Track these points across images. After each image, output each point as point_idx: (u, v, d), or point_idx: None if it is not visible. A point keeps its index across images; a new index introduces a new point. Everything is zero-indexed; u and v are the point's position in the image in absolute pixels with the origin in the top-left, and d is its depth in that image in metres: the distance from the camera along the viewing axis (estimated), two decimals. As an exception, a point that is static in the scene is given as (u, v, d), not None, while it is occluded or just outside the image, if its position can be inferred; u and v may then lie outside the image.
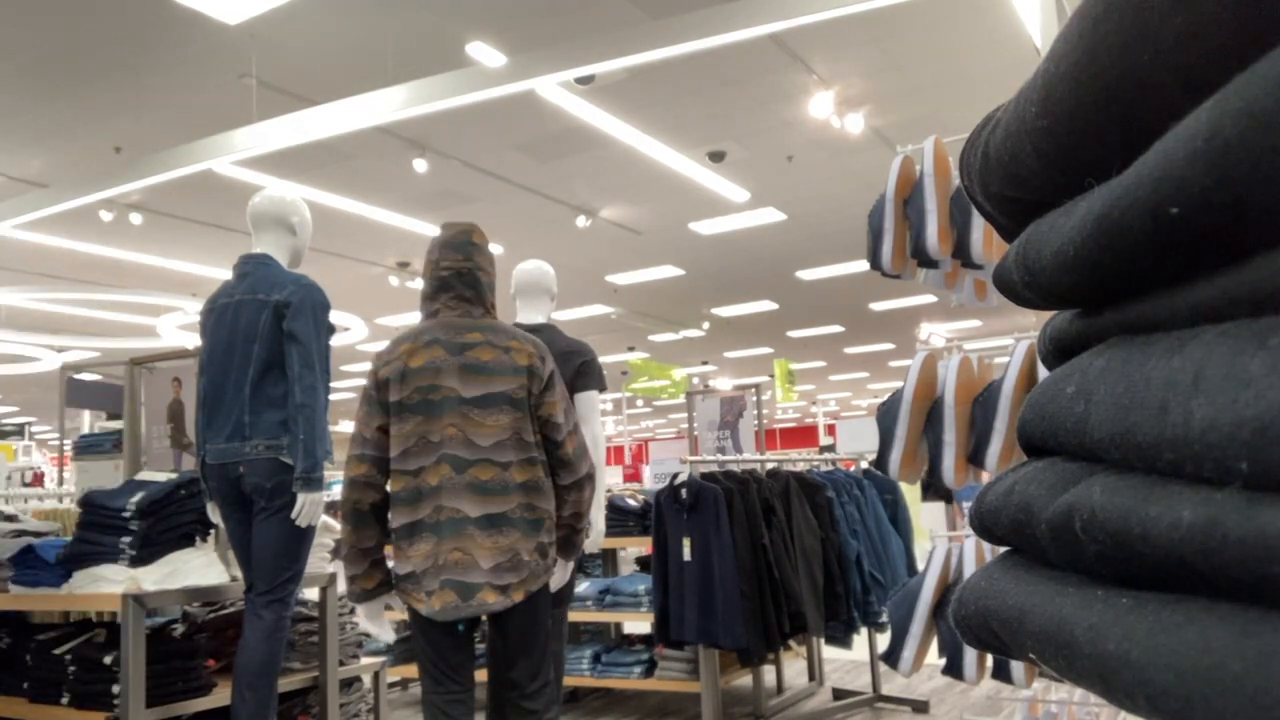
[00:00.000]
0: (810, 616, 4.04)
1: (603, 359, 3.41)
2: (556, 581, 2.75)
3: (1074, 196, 0.62)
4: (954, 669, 2.43)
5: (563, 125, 7.53)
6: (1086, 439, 0.58)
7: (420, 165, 7.84)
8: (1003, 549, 0.74)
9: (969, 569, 2.43)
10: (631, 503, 4.95)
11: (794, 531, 4.17)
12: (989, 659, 2.42)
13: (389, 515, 2.53)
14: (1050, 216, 0.65)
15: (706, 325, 16.12)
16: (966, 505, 5.48)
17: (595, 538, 3.30)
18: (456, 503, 2.43)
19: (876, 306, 15.27)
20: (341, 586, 3.85)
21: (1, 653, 3.55)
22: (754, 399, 6.86)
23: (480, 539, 2.42)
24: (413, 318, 14.33)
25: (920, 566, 3.78)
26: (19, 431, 20.41)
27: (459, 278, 2.60)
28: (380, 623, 2.62)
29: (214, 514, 3.25)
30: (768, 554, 4.03)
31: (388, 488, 2.53)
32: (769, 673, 5.16)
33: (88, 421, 9.65)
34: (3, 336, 12.62)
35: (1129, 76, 0.51)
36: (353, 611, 3.98)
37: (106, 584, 3.11)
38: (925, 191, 2.58)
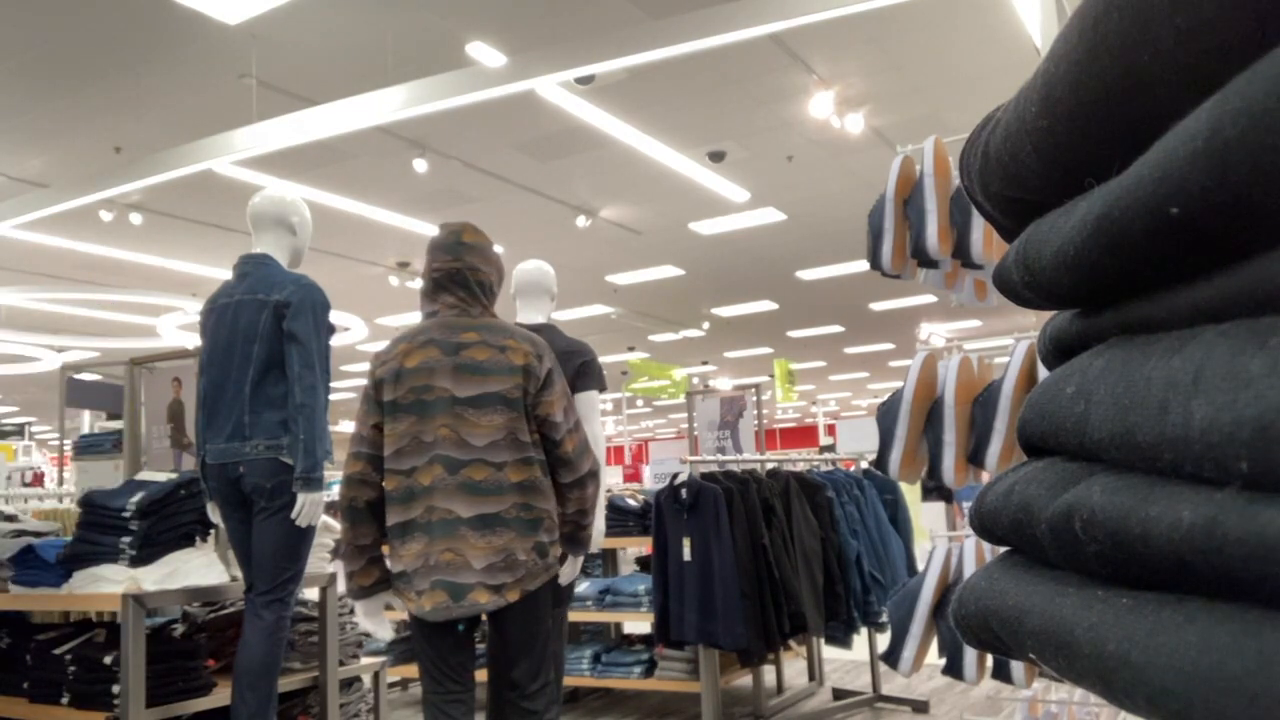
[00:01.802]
0: (810, 616, 4.04)
1: (603, 359, 3.40)
2: (567, 576, 2.79)
3: (1074, 196, 0.62)
4: (954, 669, 2.43)
5: (563, 125, 7.53)
6: (1086, 439, 0.58)
7: (420, 165, 7.84)
8: (1003, 549, 0.74)
9: (969, 569, 2.43)
10: (631, 503, 4.94)
11: (794, 531, 4.17)
12: (989, 659, 2.42)
13: (386, 514, 2.54)
14: (1050, 216, 0.65)
15: (706, 325, 16.12)
16: (966, 505, 5.48)
17: (595, 537, 3.30)
18: (448, 503, 2.42)
19: (876, 306, 15.27)
20: (342, 586, 3.85)
21: (1, 653, 3.55)
22: (754, 399, 6.86)
23: (473, 539, 2.40)
24: (413, 317, 14.34)
25: (920, 566, 3.78)
26: (19, 431, 20.42)
27: (450, 278, 2.60)
28: (379, 620, 2.63)
29: (214, 514, 3.25)
30: (768, 554, 4.03)
31: (384, 486, 2.54)
32: (769, 673, 5.16)
33: (88, 421, 9.65)
34: (3, 336, 12.62)
35: (1129, 76, 0.51)
36: (352, 611, 3.98)
37: (106, 584, 3.11)
38: (925, 191, 2.58)
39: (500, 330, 2.57)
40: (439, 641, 2.50)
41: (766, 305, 14.71)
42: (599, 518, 3.38)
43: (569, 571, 2.80)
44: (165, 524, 3.28)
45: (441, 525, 2.42)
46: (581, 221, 9.81)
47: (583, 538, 2.68)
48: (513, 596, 2.43)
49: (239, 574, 3.27)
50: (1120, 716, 2.18)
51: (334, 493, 10.63)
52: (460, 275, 2.60)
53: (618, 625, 5.45)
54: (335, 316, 3.33)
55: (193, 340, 12.72)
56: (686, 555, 4.05)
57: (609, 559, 5.64)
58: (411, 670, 5.11)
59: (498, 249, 2.76)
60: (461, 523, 2.41)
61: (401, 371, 2.52)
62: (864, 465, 5.03)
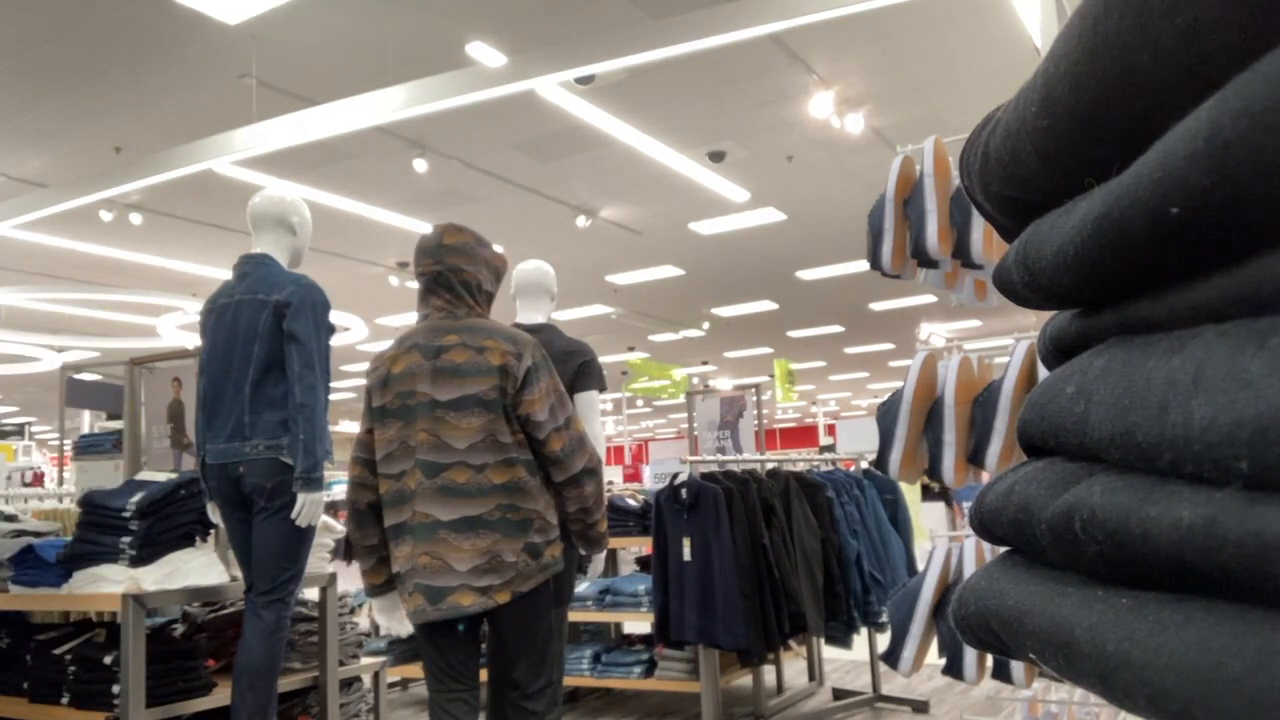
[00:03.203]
0: (810, 616, 4.04)
1: (603, 359, 3.39)
2: (593, 574, 2.90)
3: (1074, 196, 0.62)
4: (954, 669, 2.43)
5: (563, 125, 7.53)
6: (1086, 439, 0.58)
7: (420, 165, 7.84)
8: (1003, 549, 0.74)
9: (969, 569, 2.43)
10: (631, 503, 4.94)
11: (794, 531, 4.17)
12: (989, 659, 2.42)
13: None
14: (1050, 216, 0.65)
15: (706, 325, 16.12)
16: (966, 505, 5.48)
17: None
18: (427, 507, 2.43)
19: (876, 306, 15.27)
20: (342, 586, 3.86)
21: (1, 653, 3.55)
22: (754, 399, 6.86)
23: (456, 542, 2.40)
24: (412, 317, 14.35)
25: (920, 566, 3.78)
26: (19, 431, 20.43)
27: (435, 281, 2.59)
28: (394, 617, 2.67)
29: (214, 514, 3.25)
30: (768, 554, 4.03)
31: (379, 489, 2.57)
32: (769, 673, 5.16)
33: (88, 421, 9.66)
34: (3, 336, 12.62)
35: (1129, 76, 0.50)
36: (352, 611, 3.98)
37: (106, 584, 3.11)
38: (925, 191, 2.58)
39: (481, 331, 2.53)
40: (439, 641, 2.51)
41: (766, 305, 14.71)
42: None
43: (593, 571, 2.90)
44: (165, 524, 3.28)
45: (422, 529, 2.43)
46: (581, 221, 9.81)
47: (593, 536, 2.66)
48: (502, 598, 2.41)
49: (239, 574, 3.27)
50: (1120, 716, 2.18)
51: (334, 493, 10.63)
52: (444, 278, 2.58)
53: (618, 625, 5.45)
54: (335, 316, 3.33)
55: (193, 340, 12.72)
56: (686, 555, 4.05)
57: (609, 559, 5.64)
58: (411, 670, 5.11)
59: (496, 249, 2.74)
60: (441, 526, 2.41)
61: (389, 378, 2.54)
62: (864, 465, 5.03)
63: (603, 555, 2.85)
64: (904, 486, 5.13)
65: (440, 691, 2.52)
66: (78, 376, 5.95)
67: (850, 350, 19.68)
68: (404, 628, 2.68)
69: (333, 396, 3.42)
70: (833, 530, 4.32)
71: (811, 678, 5.28)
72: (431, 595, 2.40)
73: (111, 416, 5.89)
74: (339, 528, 3.97)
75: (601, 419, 3.30)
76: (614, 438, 29.61)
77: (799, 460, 5.14)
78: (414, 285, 12.95)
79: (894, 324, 16.84)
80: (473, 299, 2.62)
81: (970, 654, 2.40)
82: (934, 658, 2.50)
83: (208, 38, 5.91)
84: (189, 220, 9.45)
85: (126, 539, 3.17)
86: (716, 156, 8.39)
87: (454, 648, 2.52)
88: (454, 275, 2.59)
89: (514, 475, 2.46)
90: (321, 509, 3.15)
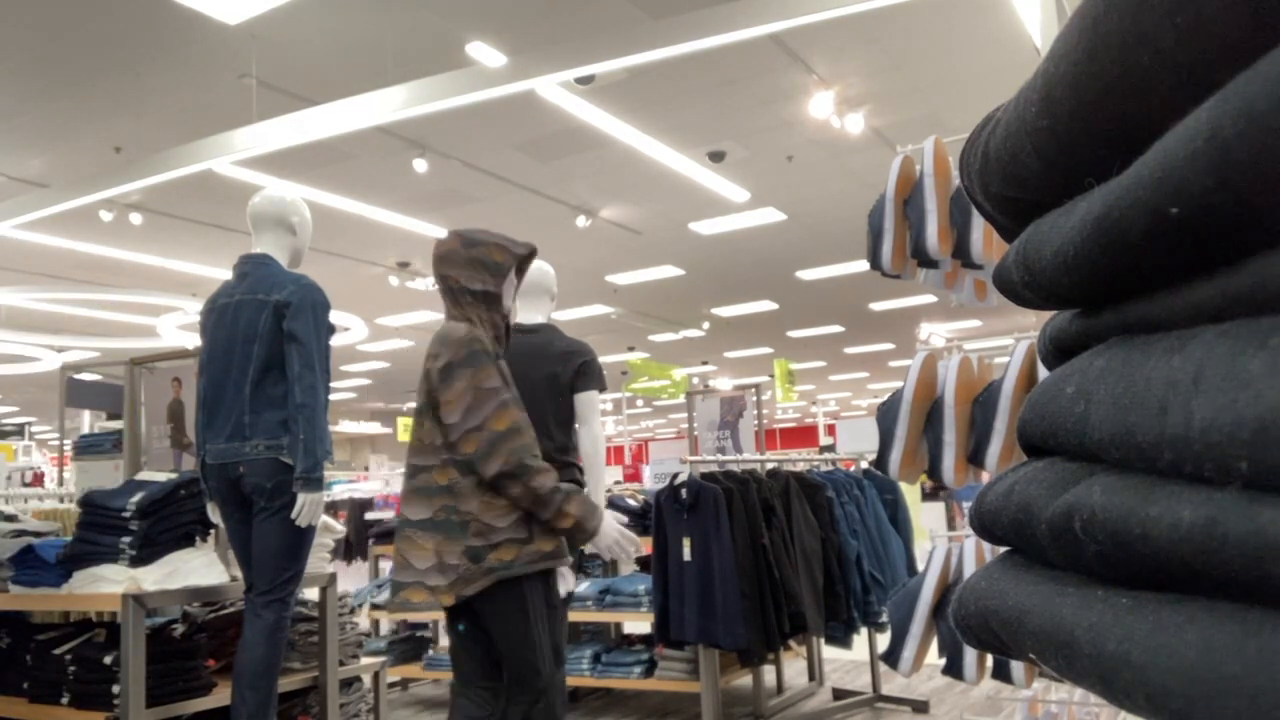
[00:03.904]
0: (810, 616, 4.04)
1: (603, 359, 3.37)
2: (609, 553, 2.70)
3: (1074, 196, 0.62)
4: (954, 669, 2.43)
5: (563, 125, 7.53)
6: (1086, 439, 0.58)
7: (420, 165, 7.84)
8: (1003, 549, 0.74)
9: (969, 569, 2.43)
10: (631, 503, 4.95)
11: (794, 531, 4.17)
12: (989, 659, 2.42)
13: None
14: (1050, 216, 0.65)
15: (706, 325, 16.12)
16: (966, 505, 5.48)
17: (603, 536, 3.05)
18: (404, 506, 2.56)
19: (876, 306, 15.26)
20: (342, 586, 3.86)
21: (1, 653, 3.55)
22: (754, 399, 6.86)
23: (418, 540, 2.48)
24: (412, 317, 14.39)
25: (920, 566, 3.78)
26: (19, 431, 20.42)
27: (440, 291, 2.70)
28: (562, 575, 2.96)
29: (214, 514, 3.25)
30: (768, 554, 4.03)
31: None
32: (769, 673, 5.15)
33: (88, 421, 9.65)
34: (3, 336, 12.63)
35: (1129, 76, 0.50)
36: (352, 611, 3.98)
37: (106, 584, 3.11)
38: (925, 191, 2.58)
39: (437, 335, 2.57)
40: (451, 638, 2.61)
41: (766, 305, 14.71)
42: (607, 520, 2.89)
43: (602, 546, 2.67)
44: (165, 524, 3.28)
45: (399, 526, 2.55)
46: (581, 221, 9.81)
47: (561, 530, 2.54)
48: (446, 600, 2.41)
49: (239, 574, 3.27)
50: (1120, 716, 2.18)
51: (334, 493, 10.66)
52: (443, 287, 2.67)
53: (618, 625, 5.45)
54: (335, 316, 3.33)
55: (193, 340, 12.72)
56: (686, 555, 4.05)
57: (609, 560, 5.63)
58: (411, 670, 5.11)
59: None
60: (408, 524, 2.51)
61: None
62: (864, 465, 5.03)
63: (605, 540, 2.66)
64: (904, 486, 5.13)
65: (454, 686, 2.63)
66: (78, 376, 5.95)
67: (850, 350, 19.68)
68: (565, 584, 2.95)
69: (333, 396, 3.42)
70: (833, 530, 4.32)
71: (811, 678, 5.28)
72: (393, 590, 2.52)
73: (111, 416, 5.89)
74: (339, 528, 3.97)
75: (601, 419, 3.30)
76: (614, 438, 29.60)
77: (799, 460, 5.14)
78: (413, 285, 12.92)
79: (894, 324, 16.84)
80: (462, 301, 2.64)
81: (970, 654, 2.40)
82: (934, 658, 2.50)
83: (208, 38, 5.91)
84: (189, 220, 9.45)
85: (126, 539, 3.17)
86: (716, 156, 8.39)
87: (458, 647, 2.59)
88: (443, 283, 2.67)
89: (450, 477, 2.48)
90: (321, 509, 3.15)
